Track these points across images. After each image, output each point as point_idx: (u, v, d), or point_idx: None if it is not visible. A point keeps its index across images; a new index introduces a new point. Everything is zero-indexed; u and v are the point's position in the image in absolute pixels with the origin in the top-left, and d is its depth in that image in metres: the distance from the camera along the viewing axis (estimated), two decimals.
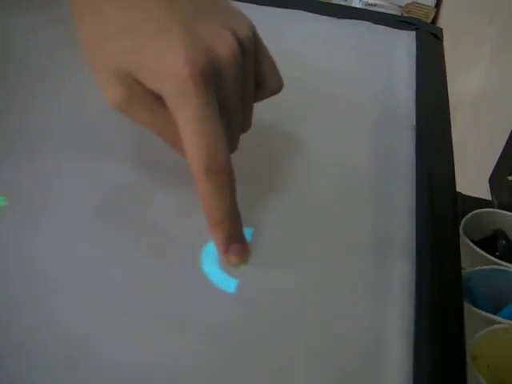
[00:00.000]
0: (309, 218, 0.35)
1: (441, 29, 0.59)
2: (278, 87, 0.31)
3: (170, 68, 0.25)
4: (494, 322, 0.42)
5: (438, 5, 1.53)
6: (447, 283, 0.35)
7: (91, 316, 0.27)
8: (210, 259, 0.29)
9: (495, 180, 0.64)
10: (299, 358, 0.28)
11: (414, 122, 0.45)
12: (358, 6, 1.48)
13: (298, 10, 0.56)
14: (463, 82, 1.18)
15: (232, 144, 0.29)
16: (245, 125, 0.31)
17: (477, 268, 0.45)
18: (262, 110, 0.33)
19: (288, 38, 0.53)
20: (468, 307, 0.41)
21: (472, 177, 0.77)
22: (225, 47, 0.26)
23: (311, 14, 0.56)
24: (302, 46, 0.52)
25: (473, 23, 1.35)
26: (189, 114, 0.25)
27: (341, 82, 0.49)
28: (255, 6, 0.55)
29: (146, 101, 0.26)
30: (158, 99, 0.26)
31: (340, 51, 0.53)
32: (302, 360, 0.28)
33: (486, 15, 1.29)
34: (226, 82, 0.26)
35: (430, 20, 1.51)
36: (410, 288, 0.33)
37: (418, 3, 1.50)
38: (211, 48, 0.25)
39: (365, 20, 0.57)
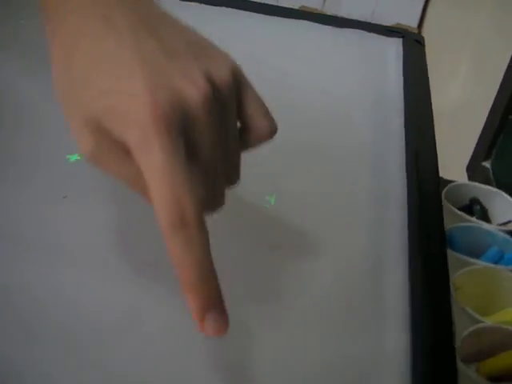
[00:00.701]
0: (321, 179, 0.44)
1: (423, 37, 0.70)
2: (269, 131, 0.28)
3: (131, 114, 0.23)
4: (471, 264, 0.52)
5: (420, 26, 1.65)
6: (432, 225, 0.44)
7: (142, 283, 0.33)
8: None
9: (472, 167, 0.74)
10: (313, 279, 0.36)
11: (402, 107, 0.55)
12: None
13: (302, 20, 0.67)
14: (443, 94, 1.29)
15: (216, 198, 0.27)
16: (231, 177, 0.28)
17: (455, 225, 0.54)
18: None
19: (295, 43, 0.63)
20: (450, 253, 0.51)
21: (452, 169, 0.87)
22: (192, 89, 0.24)
23: (314, 24, 0.67)
24: (308, 51, 0.62)
25: (451, 43, 1.48)
26: (151, 164, 0.23)
27: (341, 78, 0.59)
28: (267, 16, 0.66)
29: (114, 150, 0.25)
30: (127, 149, 0.25)
31: (339, 54, 0.63)
32: (315, 279, 0.36)
33: (463, 36, 1.41)
34: (197, 128, 0.24)
35: None
36: (403, 231, 0.43)
37: (401, 24, 1.62)
38: (177, 90, 0.24)
39: (359, 29, 0.67)
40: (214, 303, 0.25)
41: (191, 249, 0.24)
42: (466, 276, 0.50)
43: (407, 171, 0.48)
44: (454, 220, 0.57)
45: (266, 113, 0.28)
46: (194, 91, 0.24)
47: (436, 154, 0.51)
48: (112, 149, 0.25)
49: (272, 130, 0.28)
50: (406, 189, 0.47)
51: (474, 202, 0.59)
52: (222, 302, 0.26)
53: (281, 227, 0.39)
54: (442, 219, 0.46)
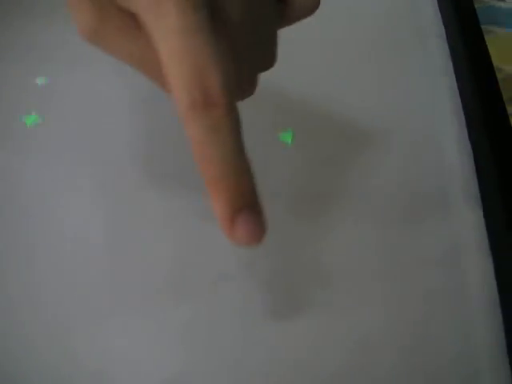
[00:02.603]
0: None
1: None
2: (311, 4, 0.23)
3: None
4: None
5: None
6: None
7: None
8: None
9: None
10: None
11: None
12: None
13: None
14: None
15: (245, 82, 0.21)
16: (266, 58, 0.22)
17: None
18: None
19: None
20: None
21: None
22: None
23: None
24: None
25: None
26: (166, 25, 0.18)
27: None
28: None
29: (119, 23, 0.20)
30: (137, 22, 0.20)
31: None
32: None
33: None
34: None
35: None
36: None
37: None
38: None
39: None
40: (246, 202, 0.20)
41: (218, 135, 0.18)
42: None
43: None
44: None
45: None
46: None
47: None
48: (117, 23, 0.20)
49: (315, 4, 0.22)
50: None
51: None
52: (256, 201, 0.20)
53: None
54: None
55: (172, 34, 0.18)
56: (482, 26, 0.43)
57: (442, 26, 0.37)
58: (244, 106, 0.20)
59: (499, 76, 0.45)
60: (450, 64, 0.34)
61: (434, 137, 0.31)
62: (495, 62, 0.50)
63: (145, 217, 0.27)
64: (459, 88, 0.33)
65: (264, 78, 0.23)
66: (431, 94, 0.33)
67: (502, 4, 0.59)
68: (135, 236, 0.27)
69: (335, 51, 0.35)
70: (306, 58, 0.34)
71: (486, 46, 0.34)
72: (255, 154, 0.20)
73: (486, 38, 0.41)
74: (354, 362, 0.23)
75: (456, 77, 0.34)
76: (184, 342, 0.24)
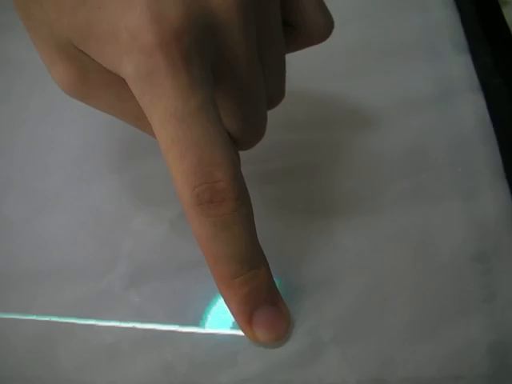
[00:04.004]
0: None
1: None
2: (323, 31, 0.19)
3: (125, 34, 0.15)
4: None
5: None
6: None
7: None
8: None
9: None
10: None
11: None
12: None
13: None
14: None
15: (255, 128, 0.19)
16: (274, 93, 0.20)
17: None
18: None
19: None
20: None
21: None
22: None
23: None
24: None
25: None
26: (162, 108, 0.15)
27: None
28: None
29: (104, 81, 0.17)
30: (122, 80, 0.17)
31: None
32: None
33: None
34: (228, 40, 0.16)
35: None
36: None
37: None
38: None
39: None
40: (263, 298, 0.18)
41: (227, 231, 0.17)
42: None
43: None
44: None
45: (321, 4, 0.19)
46: None
47: None
48: (100, 79, 0.17)
49: (328, 29, 0.20)
50: None
51: None
52: (274, 295, 0.19)
53: None
54: None
55: (170, 121, 0.16)
56: None
57: None
58: None
59: None
60: None
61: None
62: None
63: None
64: None
65: None
66: None
67: None
68: None
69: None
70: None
71: None
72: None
73: None
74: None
75: None
76: None
